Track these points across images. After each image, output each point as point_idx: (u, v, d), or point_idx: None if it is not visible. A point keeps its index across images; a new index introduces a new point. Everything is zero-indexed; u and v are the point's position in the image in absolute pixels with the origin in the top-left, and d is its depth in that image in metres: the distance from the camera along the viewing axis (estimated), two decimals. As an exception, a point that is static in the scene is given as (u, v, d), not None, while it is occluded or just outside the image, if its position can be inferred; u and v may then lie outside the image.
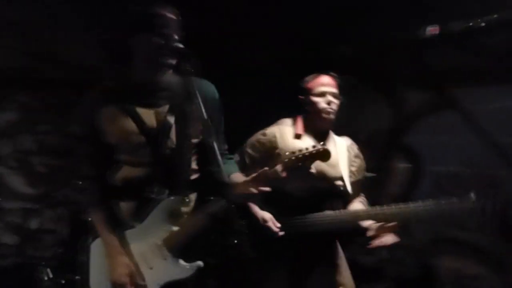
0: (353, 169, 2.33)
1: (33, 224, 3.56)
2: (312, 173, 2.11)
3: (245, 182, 1.77)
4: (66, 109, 3.45)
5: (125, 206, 1.88)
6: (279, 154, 2.18)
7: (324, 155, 1.75)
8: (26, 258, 3.46)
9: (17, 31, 3.08)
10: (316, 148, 1.75)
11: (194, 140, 1.89)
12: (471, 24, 2.54)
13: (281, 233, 2.15)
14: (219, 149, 2.01)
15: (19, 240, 3.52)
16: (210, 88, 1.93)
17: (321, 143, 2.14)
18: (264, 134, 2.32)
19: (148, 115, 1.83)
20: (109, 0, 2.55)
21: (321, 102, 2.26)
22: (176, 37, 1.76)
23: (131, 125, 1.81)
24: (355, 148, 2.39)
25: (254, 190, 1.73)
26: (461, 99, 2.79)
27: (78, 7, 2.84)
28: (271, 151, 2.25)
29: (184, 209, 1.87)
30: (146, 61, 1.82)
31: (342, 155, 2.29)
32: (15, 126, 3.56)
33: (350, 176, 2.30)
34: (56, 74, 3.43)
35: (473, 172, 2.75)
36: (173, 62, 1.79)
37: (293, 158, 1.74)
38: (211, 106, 1.88)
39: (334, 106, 2.28)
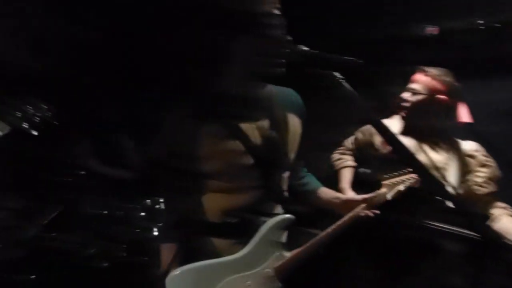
0: (479, 180, 2.06)
1: None
2: None
3: (355, 202, 1.62)
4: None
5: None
6: (376, 150, 2.10)
7: None
8: None
9: None
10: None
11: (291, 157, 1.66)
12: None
13: None
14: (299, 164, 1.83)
15: None
16: (299, 99, 1.70)
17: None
18: (362, 132, 2.20)
19: (252, 131, 1.56)
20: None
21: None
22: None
23: (236, 144, 1.53)
24: (480, 156, 2.10)
25: (362, 214, 1.59)
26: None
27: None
28: (369, 149, 2.14)
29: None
30: (250, 69, 1.51)
31: (452, 160, 2.07)
32: None
33: (461, 187, 2.06)
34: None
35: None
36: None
37: (400, 181, 1.63)
38: (304, 119, 1.71)
39: (406, 101, 2.07)
